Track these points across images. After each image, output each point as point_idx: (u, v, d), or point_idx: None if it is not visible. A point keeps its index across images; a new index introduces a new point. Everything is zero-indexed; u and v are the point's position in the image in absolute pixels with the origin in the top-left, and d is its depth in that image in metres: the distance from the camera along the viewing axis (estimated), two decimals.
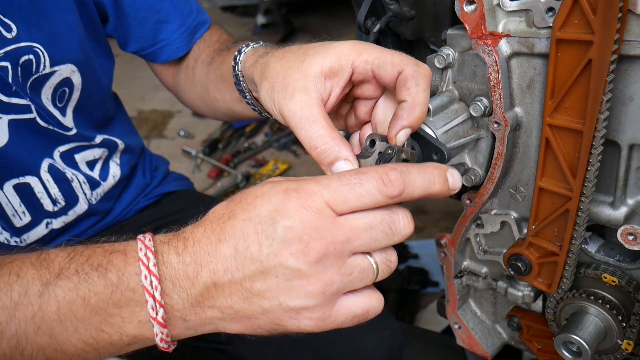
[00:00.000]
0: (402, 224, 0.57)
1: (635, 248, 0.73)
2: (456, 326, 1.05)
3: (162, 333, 0.57)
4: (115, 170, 1.16)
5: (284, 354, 1.06)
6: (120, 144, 1.16)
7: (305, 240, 0.54)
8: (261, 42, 0.86)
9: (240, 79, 0.84)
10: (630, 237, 0.73)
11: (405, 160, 0.65)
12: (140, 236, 0.59)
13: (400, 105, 0.65)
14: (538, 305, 0.95)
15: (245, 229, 0.55)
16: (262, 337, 1.07)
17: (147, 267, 0.56)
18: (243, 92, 0.86)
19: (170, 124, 3.43)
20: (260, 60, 0.76)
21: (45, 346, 0.57)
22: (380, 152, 0.64)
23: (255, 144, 3.00)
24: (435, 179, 0.58)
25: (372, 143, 0.65)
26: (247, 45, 0.84)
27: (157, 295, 0.55)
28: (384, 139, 0.66)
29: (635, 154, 0.72)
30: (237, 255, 0.55)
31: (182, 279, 0.56)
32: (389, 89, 0.70)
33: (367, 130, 0.74)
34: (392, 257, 0.59)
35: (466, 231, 0.93)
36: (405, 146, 0.66)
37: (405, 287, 1.89)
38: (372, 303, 0.59)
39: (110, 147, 1.13)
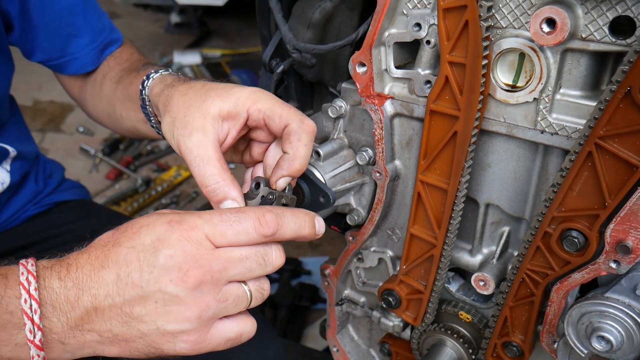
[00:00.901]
0: (275, 256, 0.63)
1: (485, 292, 0.84)
2: (334, 349, 1.13)
3: (39, 356, 0.58)
4: (4, 177, 1.13)
5: None
6: (12, 151, 1.13)
7: (184, 268, 0.58)
8: (170, 70, 0.89)
9: (147, 103, 0.87)
10: (481, 283, 0.84)
11: (284, 204, 0.71)
12: (22, 261, 0.61)
13: (282, 155, 0.72)
14: (407, 333, 1.05)
15: (129, 257, 0.59)
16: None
17: (28, 291, 0.58)
18: (148, 116, 0.88)
19: (68, 118, 3.28)
20: (165, 91, 0.80)
21: None
22: (263, 196, 0.70)
23: (158, 148, 2.95)
24: (305, 224, 0.66)
25: (257, 185, 0.71)
26: (156, 72, 0.87)
27: (36, 318, 0.57)
28: (268, 183, 0.72)
29: (490, 211, 0.84)
30: (118, 281, 0.58)
31: (63, 302, 0.58)
32: (278, 138, 0.77)
33: (259, 169, 0.80)
34: (265, 285, 0.65)
35: (348, 264, 1.01)
36: (286, 191, 0.72)
37: (296, 302, 1.96)
38: (245, 327, 0.64)
39: (1, 155, 1.10)
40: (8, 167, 1.14)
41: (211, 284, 0.59)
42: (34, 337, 0.57)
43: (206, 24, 4.51)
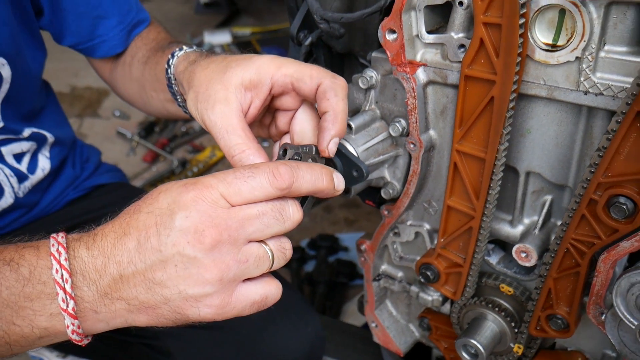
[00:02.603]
0: (292, 210, 0.62)
1: (527, 264, 0.81)
2: (373, 325, 1.12)
3: (73, 325, 0.59)
4: (44, 164, 1.15)
5: (207, 349, 1.10)
6: (50, 137, 1.14)
7: (200, 229, 0.57)
8: (194, 47, 0.88)
9: (173, 82, 0.86)
10: (523, 255, 0.81)
11: None
12: (53, 234, 0.61)
13: (323, 117, 0.70)
14: (447, 307, 1.03)
15: (147, 222, 0.58)
16: (187, 333, 1.11)
17: (59, 261, 0.58)
18: (175, 95, 0.88)
19: (105, 103, 3.34)
20: (189, 68, 0.79)
21: None
22: (289, 159, 0.68)
23: (192, 129, 2.97)
24: (322, 177, 0.64)
25: (285, 152, 0.69)
26: (180, 50, 0.86)
27: (68, 287, 0.58)
28: (295, 147, 0.70)
29: (531, 179, 0.80)
30: (139, 247, 0.58)
31: (92, 271, 0.59)
32: (305, 102, 0.75)
33: (286, 140, 0.79)
34: (287, 245, 0.63)
35: (384, 239, 0.99)
36: (315, 154, 0.70)
37: (334, 279, 1.96)
38: (270, 290, 0.62)
39: (39, 141, 1.12)
40: (47, 154, 1.16)
41: (229, 244, 0.58)
42: (67, 305, 0.58)
43: (235, 2, 4.48)
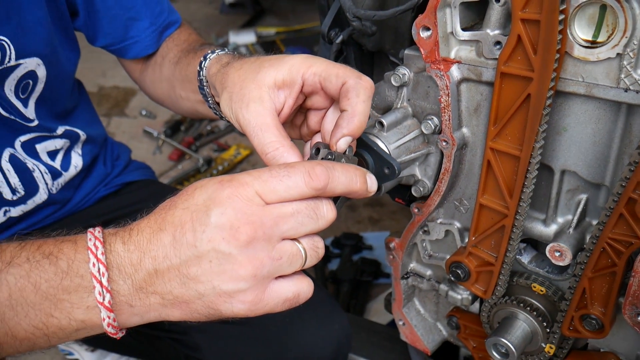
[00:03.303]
0: (326, 209, 0.62)
1: (561, 264, 0.80)
2: (400, 322, 1.11)
3: (109, 317, 0.60)
4: (77, 161, 1.17)
5: (235, 344, 1.11)
6: (82, 135, 1.17)
7: (235, 225, 0.57)
8: (226, 50, 0.89)
9: (204, 84, 0.87)
10: (557, 254, 0.80)
11: None
12: (90, 229, 0.63)
13: (341, 115, 0.70)
14: (476, 306, 1.03)
15: (183, 217, 0.59)
16: (215, 329, 1.12)
17: (95, 255, 0.60)
18: (206, 97, 0.89)
19: (132, 102, 3.38)
20: (221, 70, 0.80)
21: None
22: (322, 158, 0.68)
23: (218, 128, 2.99)
24: (356, 179, 0.64)
25: (317, 150, 0.70)
26: (213, 52, 0.87)
27: (104, 281, 0.59)
28: (327, 146, 0.70)
29: (566, 178, 0.79)
30: (174, 242, 0.59)
31: (127, 265, 0.60)
32: (336, 101, 0.75)
33: (317, 139, 0.79)
34: (319, 244, 0.63)
35: (414, 237, 0.99)
36: (347, 153, 0.70)
37: (358, 277, 1.95)
38: (302, 287, 0.63)
39: (72, 138, 1.14)
40: (80, 151, 1.18)
41: (264, 241, 0.58)
42: (103, 299, 0.59)
43: (260, 2, 4.50)
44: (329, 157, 0.69)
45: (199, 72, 0.87)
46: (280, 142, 0.68)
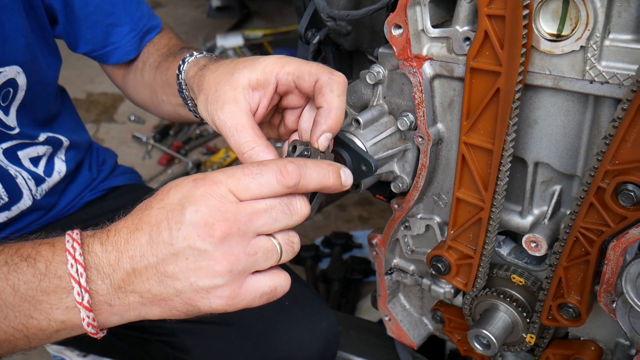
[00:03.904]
0: (299, 205, 0.64)
1: (537, 254, 0.81)
2: (386, 318, 1.13)
3: (89, 317, 0.61)
4: (60, 167, 1.18)
5: (224, 345, 1.12)
6: (65, 141, 1.17)
7: (210, 222, 0.58)
8: (204, 52, 0.90)
9: (183, 87, 0.88)
10: (533, 245, 0.81)
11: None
12: (68, 231, 0.64)
13: (318, 111, 0.71)
14: (459, 300, 1.04)
15: (159, 217, 0.60)
16: (204, 330, 1.12)
17: (73, 256, 0.60)
18: (185, 100, 0.90)
19: (120, 108, 3.38)
20: (199, 73, 0.82)
21: None
22: (298, 155, 0.69)
23: (206, 131, 3.00)
24: (329, 174, 0.65)
25: (294, 148, 0.71)
26: (191, 55, 0.88)
27: (83, 281, 0.60)
28: (304, 144, 0.71)
29: (539, 170, 0.81)
30: (151, 241, 0.60)
31: (105, 266, 0.61)
32: (311, 99, 0.76)
33: (295, 138, 0.80)
34: (295, 239, 0.65)
35: (395, 232, 1.00)
36: (324, 151, 0.71)
37: (349, 276, 1.97)
38: (279, 281, 0.64)
39: (55, 145, 1.15)
40: (63, 157, 1.18)
41: (238, 237, 0.59)
42: (82, 299, 0.60)
43: (246, 5, 4.52)
44: (305, 153, 0.70)
45: (177, 75, 0.88)
46: (255, 142, 0.70)
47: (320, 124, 0.70)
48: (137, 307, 0.62)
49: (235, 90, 0.72)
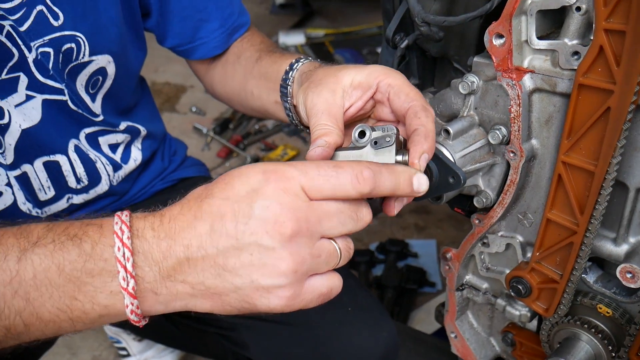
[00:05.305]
0: (365, 212, 0.62)
1: (632, 286, 0.76)
2: (452, 335, 1.09)
3: (133, 304, 0.58)
4: (136, 155, 1.20)
5: (283, 344, 1.11)
6: (143, 131, 1.19)
7: (281, 220, 0.56)
8: (310, 58, 0.92)
9: (289, 82, 0.90)
10: (629, 275, 0.76)
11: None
12: (118, 212, 0.61)
13: (415, 132, 0.69)
14: (533, 324, 1.00)
15: (223, 208, 0.57)
16: (264, 327, 1.12)
17: (121, 240, 0.58)
18: (286, 96, 0.91)
19: (182, 99, 3.44)
20: (312, 70, 0.86)
21: (22, 310, 0.59)
22: (375, 142, 0.66)
23: (265, 127, 3.01)
24: (401, 183, 0.63)
25: (362, 134, 0.68)
26: (306, 59, 0.92)
27: (129, 266, 0.57)
28: (371, 129, 0.68)
29: None
30: (212, 232, 0.57)
31: (155, 252, 0.58)
32: (400, 121, 0.75)
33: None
34: (351, 244, 0.63)
35: (472, 248, 0.97)
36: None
37: (403, 285, 1.93)
38: (334, 282, 0.62)
39: (133, 133, 1.17)
40: (140, 146, 1.20)
41: (306, 237, 0.57)
42: (127, 284, 0.58)
43: (309, 4, 4.53)
44: (387, 138, 0.66)
45: (287, 71, 0.91)
46: (333, 130, 0.70)
47: (420, 144, 0.67)
48: (185, 298, 0.60)
49: (337, 84, 0.74)
